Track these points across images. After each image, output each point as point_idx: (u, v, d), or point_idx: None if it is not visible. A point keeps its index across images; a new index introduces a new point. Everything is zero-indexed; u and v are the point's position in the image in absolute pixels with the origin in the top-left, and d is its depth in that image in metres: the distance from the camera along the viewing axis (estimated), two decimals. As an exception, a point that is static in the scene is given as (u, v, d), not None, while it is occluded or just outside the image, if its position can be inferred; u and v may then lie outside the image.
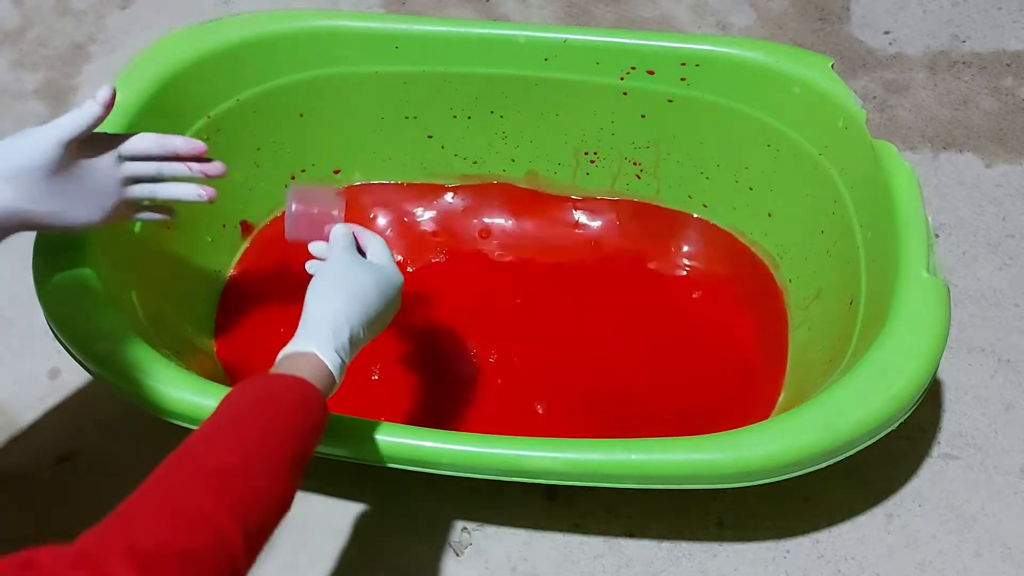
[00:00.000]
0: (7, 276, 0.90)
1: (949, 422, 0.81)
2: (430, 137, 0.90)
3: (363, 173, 0.93)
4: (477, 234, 0.92)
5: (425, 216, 0.93)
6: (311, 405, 0.51)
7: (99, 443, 0.81)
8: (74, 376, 0.84)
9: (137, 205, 0.64)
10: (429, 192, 0.93)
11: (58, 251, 0.66)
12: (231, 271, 0.88)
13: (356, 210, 0.92)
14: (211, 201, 0.65)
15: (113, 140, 0.61)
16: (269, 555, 0.74)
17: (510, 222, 0.92)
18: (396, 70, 0.84)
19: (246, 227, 0.89)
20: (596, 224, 0.92)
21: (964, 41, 1.11)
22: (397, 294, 0.62)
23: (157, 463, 0.46)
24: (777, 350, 0.81)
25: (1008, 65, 1.08)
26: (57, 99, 1.08)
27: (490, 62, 0.82)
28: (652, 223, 0.90)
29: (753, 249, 0.87)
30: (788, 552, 0.74)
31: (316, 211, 0.65)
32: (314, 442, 0.51)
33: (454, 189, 0.93)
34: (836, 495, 0.76)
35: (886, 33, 1.13)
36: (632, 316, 0.86)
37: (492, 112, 0.87)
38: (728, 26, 1.14)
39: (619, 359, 0.83)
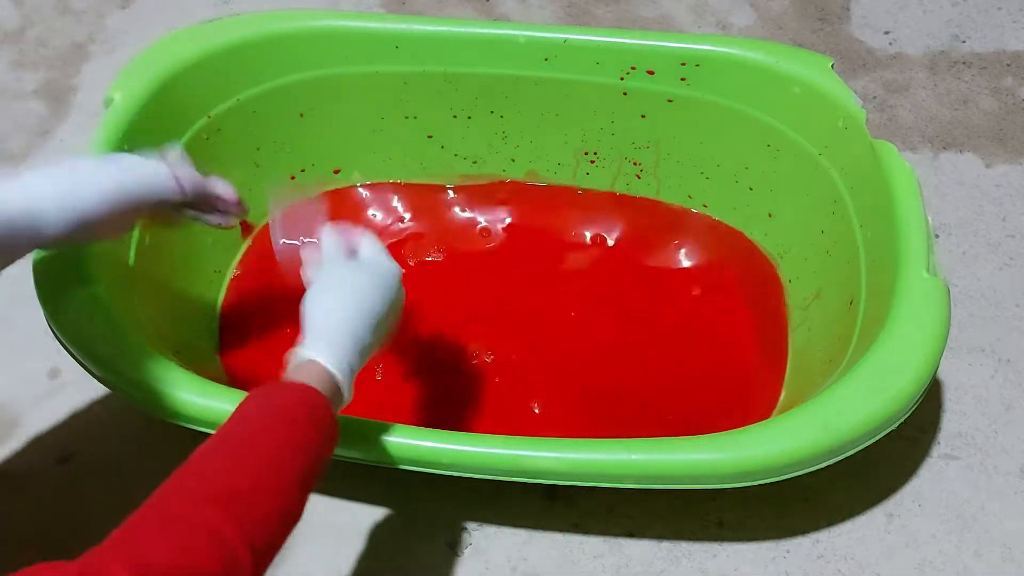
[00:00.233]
0: (7, 276, 0.90)
1: (949, 422, 0.81)
2: (430, 137, 0.90)
3: (363, 173, 0.93)
4: (477, 234, 0.92)
5: (425, 216, 0.93)
6: (320, 418, 0.50)
7: (99, 443, 0.81)
8: (74, 376, 0.84)
9: None
10: (429, 192, 0.93)
11: (58, 251, 0.66)
12: (232, 271, 0.88)
13: (356, 210, 0.92)
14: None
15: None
16: (269, 555, 0.74)
17: (509, 222, 0.92)
18: (396, 70, 0.84)
19: (246, 227, 0.89)
20: (596, 224, 0.92)
21: (964, 41, 1.11)
22: (398, 286, 0.60)
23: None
24: (777, 350, 0.81)
25: (1008, 65, 1.08)
26: (57, 99, 1.08)
27: (490, 62, 0.82)
28: (652, 223, 0.90)
29: (753, 249, 0.87)
30: (788, 552, 0.74)
31: (303, 240, 0.64)
32: (325, 455, 0.51)
33: (454, 189, 0.93)
34: (836, 495, 0.76)
35: (886, 33, 1.13)
36: (632, 316, 0.86)
37: (492, 112, 0.87)
38: (728, 26, 1.14)
39: (619, 359, 0.83)
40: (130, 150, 0.73)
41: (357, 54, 0.83)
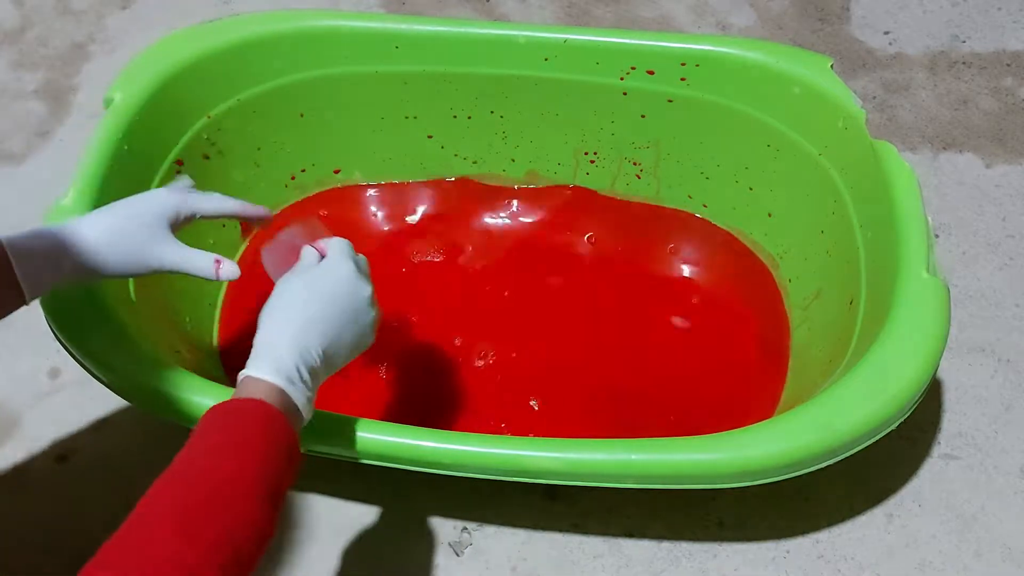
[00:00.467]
0: (7, 276, 0.90)
1: (949, 422, 0.81)
2: (430, 137, 0.90)
3: (363, 173, 0.93)
4: (476, 234, 0.92)
5: (425, 216, 0.93)
6: (276, 430, 0.49)
7: (98, 443, 0.81)
8: (74, 376, 0.84)
9: None
10: (429, 192, 0.93)
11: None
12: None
13: (356, 210, 0.92)
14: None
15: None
16: (269, 555, 0.74)
17: (509, 222, 0.92)
18: (396, 70, 0.84)
19: (246, 227, 0.89)
20: (596, 224, 0.91)
21: (964, 41, 1.11)
22: (352, 290, 0.56)
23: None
24: (777, 350, 0.81)
25: (1008, 65, 1.08)
26: (57, 99, 1.08)
27: (490, 62, 0.82)
28: (652, 223, 0.90)
29: (753, 249, 0.87)
30: (788, 552, 0.74)
31: (285, 248, 0.62)
32: (287, 464, 0.49)
33: (454, 189, 0.93)
34: (836, 495, 0.76)
35: (886, 33, 1.13)
36: (632, 316, 0.86)
37: (492, 112, 0.87)
38: (728, 26, 1.14)
39: (618, 358, 0.83)
40: (130, 151, 0.73)
41: (357, 54, 0.83)
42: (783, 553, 0.74)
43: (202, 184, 0.68)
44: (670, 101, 0.82)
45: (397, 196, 0.93)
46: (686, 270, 0.89)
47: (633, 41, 0.80)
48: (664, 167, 0.88)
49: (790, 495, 0.76)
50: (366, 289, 0.57)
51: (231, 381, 0.78)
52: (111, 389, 0.65)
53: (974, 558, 0.73)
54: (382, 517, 0.76)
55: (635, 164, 0.88)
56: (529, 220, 0.92)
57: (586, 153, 0.89)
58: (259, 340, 0.53)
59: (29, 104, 1.07)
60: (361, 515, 0.76)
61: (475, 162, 0.91)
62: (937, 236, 0.93)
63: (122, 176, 0.72)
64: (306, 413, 0.52)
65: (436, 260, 0.90)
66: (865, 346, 0.62)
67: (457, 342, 0.84)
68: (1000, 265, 0.91)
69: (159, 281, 0.76)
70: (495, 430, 0.78)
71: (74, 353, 0.64)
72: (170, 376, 0.62)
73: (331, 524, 0.76)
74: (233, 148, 0.84)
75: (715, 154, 0.85)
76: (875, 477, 0.77)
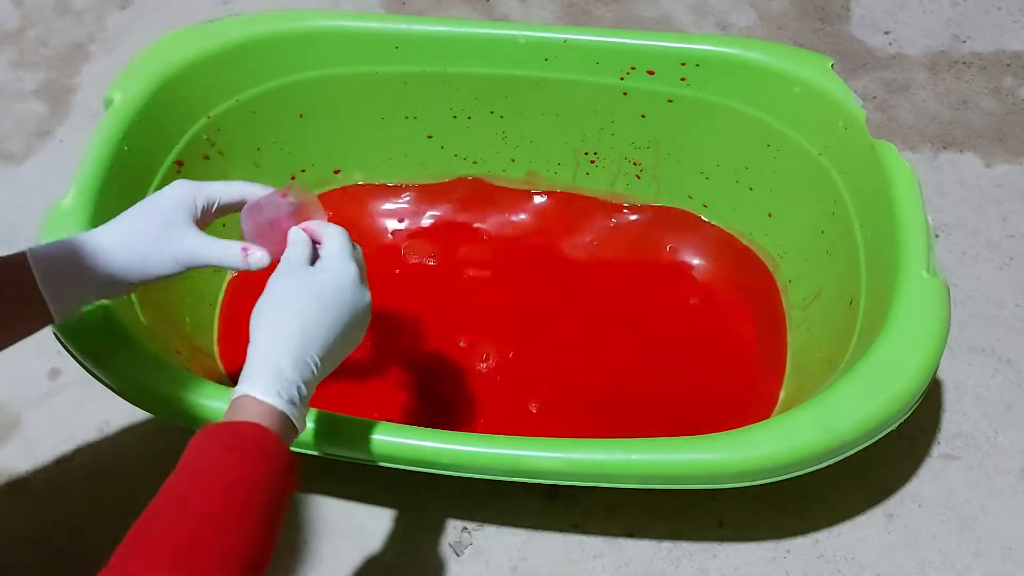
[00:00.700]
0: (7, 276, 0.90)
1: (949, 422, 0.81)
2: (430, 137, 0.90)
3: (363, 173, 0.93)
4: (476, 235, 0.92)
5: (425, 216, 0.93)
6: (271, 454, 0.46)
7: (99, 443, 0.81)
8: (74, 376, 0.84)
9: None
10: (429, 192, 0.93)
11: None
12: (232, 271, 0.88)
13: (356, 210, 0.92)
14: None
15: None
16: (269, 555, 0.74)
17: (509, 222, 0.92)
18: (396, 70, 0.84)
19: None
20: (595, 224, 0.91)
21: (964, 41, 1.11)
22: (354, 295, 0.53)
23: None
24: (777, 350, 0.81)
25: (1008, 65, 1.08)
26: (57, 99, 1.08)
27: (490, 62, 0.82)
28: (651, 223, 0.90)
29: (753, 249, 0.87)
30: (788, 552, 0.74)
31: (268, 220, 0.58)
32: (283, 488, 0.47)
33: (453, 189, 0.93)
34: (836, 495, 0.76)
35: (886, 33, 1.13)
36: (631, 316, 0.86)
37: (492, 112, 0.87)
38: (728, 26, 1.14)
39: (619, 359, 0.83)
40: (130, 151, 0.73)
41: (357, 54, 0.83)
42: (783, 553, 0.74)
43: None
44: (670, 101, 0.82)
45: (397, 196, 0.93)
46: (686, 270, 0.89)
47: (633, 41, 0.80)
48: (664, 167, 0.88)
49: (790, 495, 0.76)
50: (367, 295, 0.54)
51: (231, 381, 0.79)
52: (112, 390, 0.65)
53: (974, 558, 0.73)
54: (382, 517, 0.76)
55: (635, 164, 0.88)
56: (529, 220, 0.92)
57: (586, 153, 0.89)
58: (257, 353, 0.49)
59: (29, 104, 1.07)
60: (361, 515, 0.76)
61: (475, 162, 0.91)
62: (937, 236, 0.93)
63: (122, 176, 0.72)
64: (301, 428, 0.50)
65: (436, 261, 0.90)
66: (865, 346, 0.62)
67: (456, 343, 0.84)
68: (1000, 265, 0.91)
69: (160, 282, 0.76)
70: (495, 431, 0.78)
71: (75, 354, 0.64)
72: (171, 377, 0.62)
73: (331, 524, 0.76)
74: (233, 148, 0.84)
75: (715, 154, 0.85)
76: (875, 477, 0.78)
